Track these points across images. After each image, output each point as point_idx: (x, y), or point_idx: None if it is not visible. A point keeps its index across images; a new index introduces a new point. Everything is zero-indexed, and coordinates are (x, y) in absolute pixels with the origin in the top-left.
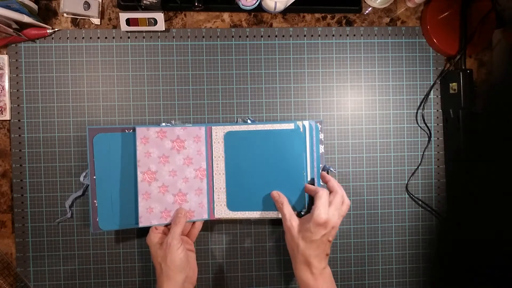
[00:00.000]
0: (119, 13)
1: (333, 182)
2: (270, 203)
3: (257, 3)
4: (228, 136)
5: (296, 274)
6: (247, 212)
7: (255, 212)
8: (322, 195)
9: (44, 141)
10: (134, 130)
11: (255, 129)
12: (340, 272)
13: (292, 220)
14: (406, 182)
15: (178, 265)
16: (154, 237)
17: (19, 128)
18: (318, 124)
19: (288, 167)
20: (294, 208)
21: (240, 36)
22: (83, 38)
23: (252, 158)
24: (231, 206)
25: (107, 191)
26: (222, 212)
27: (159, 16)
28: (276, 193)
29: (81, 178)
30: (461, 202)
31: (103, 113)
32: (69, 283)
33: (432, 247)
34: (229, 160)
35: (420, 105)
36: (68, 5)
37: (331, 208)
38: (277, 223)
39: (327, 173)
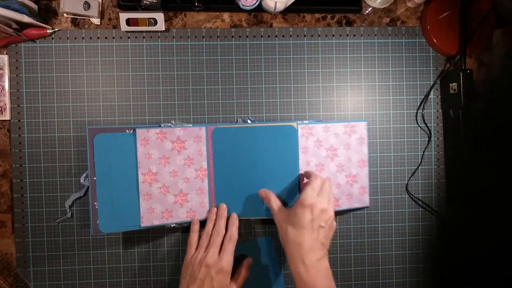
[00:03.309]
0: (119, 13)
1: (311, 171)
2: (258, 204)
3: (257, 3)
4: (216, 133)
5: (290, 269)
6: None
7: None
8: (310, 181)
9: (44, 141)
10: (134, 130)
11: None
12: (340, 272)
13: (280, 212)
14: (406, 182)
15: None
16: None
17: (19, 128)
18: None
19: (282, 165)
20: (287, 205)
21: (240, 36)
22: (83, 38)
23: (242, 156)
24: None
25: (107, 192)
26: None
27: (159, 16)
28: (262, 191)
29: (82, 179)
30: (461, 202)
31: (103, 113)
32: (69, 283)
33: (432, 247)
34: (217, 159)
35: (420, 105)
36: (68, 5)
37: (315, 191)
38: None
39: None
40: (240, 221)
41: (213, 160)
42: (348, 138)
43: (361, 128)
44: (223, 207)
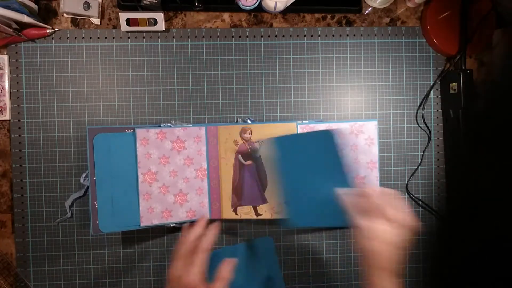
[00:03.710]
0: (119, 13)
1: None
2: (336, 212)
3: (257, 3)
4: (278, 143)
5: (375, 282)
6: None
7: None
8: (391, 202)
9: (44, 141)
10: (134, 130)
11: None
12: (340, 272)
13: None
14: (406, 182)
15: None
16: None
17: (19, 128)
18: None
19: (336, 170)
20: None
21: (240, 36)
22: (83, 38)
23: (303, 165)
24: (294, 220)
25: (107, 192)
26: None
27: (159, 16)
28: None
29: (82, 179)
30: (461, 202)
31: (103, 113)
32: (69, 283)
33: (432, 247)
34: (283, 169)
35: (420, 105)
36: (68, 5)
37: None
38: (277, 223)
39: None
40: (240, 221)
41: (279, 171)
42: (355, 138)
43: (370, 128)
44: (202, 217)
